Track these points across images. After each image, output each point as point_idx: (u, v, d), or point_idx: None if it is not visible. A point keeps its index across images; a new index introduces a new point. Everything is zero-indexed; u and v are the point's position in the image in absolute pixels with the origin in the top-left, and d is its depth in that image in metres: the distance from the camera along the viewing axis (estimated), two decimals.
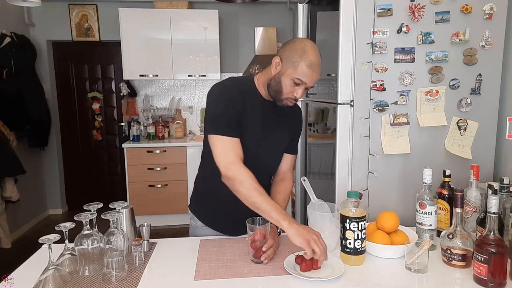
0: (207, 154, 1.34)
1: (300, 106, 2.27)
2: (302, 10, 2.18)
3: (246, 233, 1.25)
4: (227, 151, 1.25)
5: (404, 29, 1.56)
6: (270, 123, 1.37)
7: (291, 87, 1.26)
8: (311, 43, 1.28)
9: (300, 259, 1.17)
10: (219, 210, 1.44)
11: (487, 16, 1.58)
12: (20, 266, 1.23)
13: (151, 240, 1.36)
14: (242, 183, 1.22)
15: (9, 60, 3.64)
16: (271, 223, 1.25)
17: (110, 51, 4.45)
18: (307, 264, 1.14)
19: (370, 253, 1.25)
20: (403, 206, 1.64)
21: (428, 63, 1.59)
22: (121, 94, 4.36)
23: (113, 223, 1.19)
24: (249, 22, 4.49)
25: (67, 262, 1.17)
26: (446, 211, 1.36)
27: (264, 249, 1.21)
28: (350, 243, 1.19)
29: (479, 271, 1.06)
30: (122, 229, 1.25)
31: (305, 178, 1.41)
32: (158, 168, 3.97)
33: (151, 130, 4.22)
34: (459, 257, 1.16)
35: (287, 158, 1.51)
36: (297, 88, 1.26)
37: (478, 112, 1.64)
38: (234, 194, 1.24)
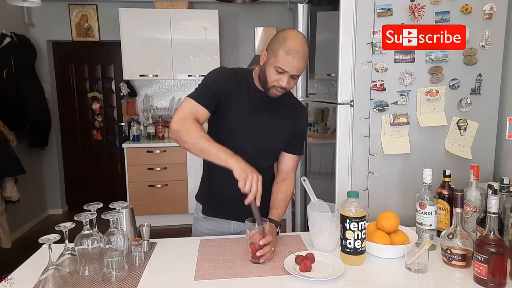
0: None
1: None
2: (302, 10, 2.18)
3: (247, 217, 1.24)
4: (187, 110, 1.32)
5: None
6: (258, 110, 1.40)
7: (274, 76, 1.30)
8: (293, 32, 1.31)
9: (300, 259, 1.17)
10: (220, 193, 1.46)
11: (487, 16, 1.58)
12: (20, 266, 1.22)
13: (151, 240, 1.36)
14: (189, 132, 1.27)
15: (9, 60, 3.64)
16: (270, 223, 1.26)
17: (110, 51, 4.45)
18: (307, 264, 1.14)
19: (370, 253, 1.25)
20: (403, 206, 1.63)
21: (428, 63, 1.59)
22: (121, 94, 4.37)
23: (113, 223, 1.19)
24: (249, 22, 4.49)
25: (67, 262, 1.17)
26: (446, 211, 1.36)
27: (261, 243, 1.19)
28: (350, 243, 1.19)
29: (479, 271, 1.06)
30: (122, 229, 1.25)
31: (305, 178, 1.41)
32: (158, 168, 3.97)
33: (151, 130, 4.22)
34: (459, 257, 1.16)
35: (288, 158, 1.50)
36: (281, 77, 1.29)
37: (478, 112, 1.64)
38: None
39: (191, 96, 1.35)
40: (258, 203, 1.21)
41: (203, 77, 1.43)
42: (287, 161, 1.50)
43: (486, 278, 1.05)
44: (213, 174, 1.46)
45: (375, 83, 1.58)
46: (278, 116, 1.43)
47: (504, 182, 1.23)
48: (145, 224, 1.32)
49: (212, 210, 1.52)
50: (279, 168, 1.52)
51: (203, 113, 1.34)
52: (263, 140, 1.42)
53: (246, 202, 1.19)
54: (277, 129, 1.43)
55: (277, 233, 1.34)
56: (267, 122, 1.41)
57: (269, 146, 1.45)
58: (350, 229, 1.18)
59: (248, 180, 1.18)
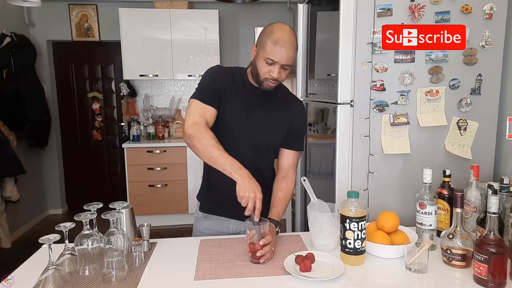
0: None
1: None
2: (302, 10, 2.18)
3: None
4: (196, 113, 1.35)
5: None
6: (254, 106, 1.41)
7: (265, 68, 1.32)
8: (280, 24, 1.33)
9: (300, 259, 1.17)
10: (218, 191, 1.46)
11: (487, 16, 1.58)
12: (20, 266, 1.22)
13: (151, 240, 1.36)
14: (201, 139, 1.28)
15: (9, 60, 3.64)
16: (269, 223, 1.26)
17: (110, 51, 4.45)
18: (307, 264, 1.14)
19: (370, 253, 1.25)
20: (403, 206, 1.63)
21: (428, 63, 1.59)
22: (121, 94, 4.37)
23: (113, 223, 1.19)
24: (249, 22, 4.49)
25: (67, 262, 1.17)
26: (446, 211, 1.36)
27: (261, 243, 1.19)
28: (350, 243, 1.19)
29: (479, 271, 1.06)
30: (122, 229, 1.25)
31: (305, 178, 1.41)
32: (158, 168, 3.97)
33: (151, 130, 4.22)
34: (459, 257, 1.16)
35: (288, 154, 1.50)
36: (272, 68, 1.31)
37: (478, 112, 1.64)
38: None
39: (194, 97, 1.38)
40: (256, 219, 1.21)
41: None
42: (287, 158, 1.50)
43: (486, 278, 1.05)
44: (212, 171, 1.46)
45: (375, 83, 1.58)
46: (274, 111, 1.44)
47: (504, 182, 1.23)
48: (145, 224, 1.32)
49: (210, 207, 1.53)
50: (279, 165, 1.52)
51: (211, 112, 1.36)
52: (261, 136, 1.43)
53: (246, 213, 1.21)
54: (274, 124, 1.44)
55: (277, 232, 1.34)
56: (263, 118, 1.42)
57: (267, 141, 1.45)
58: (350, 229, 1.18)
59: (244, 199, 1.20)
